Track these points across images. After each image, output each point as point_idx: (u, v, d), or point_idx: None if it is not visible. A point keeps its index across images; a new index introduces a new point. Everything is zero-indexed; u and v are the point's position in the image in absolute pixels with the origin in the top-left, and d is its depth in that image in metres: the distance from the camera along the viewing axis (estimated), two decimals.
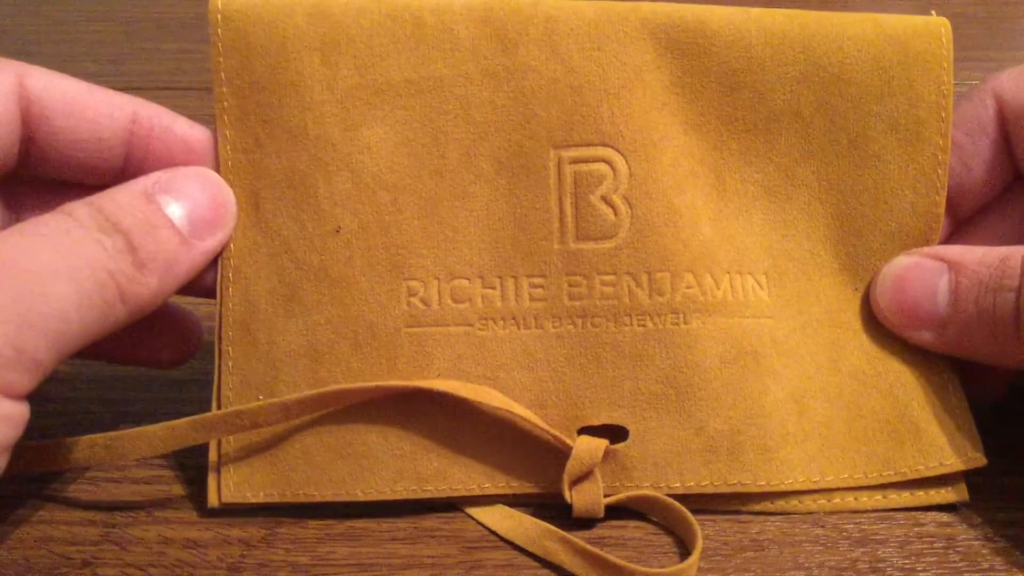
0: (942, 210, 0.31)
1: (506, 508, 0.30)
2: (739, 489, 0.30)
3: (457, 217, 0.30)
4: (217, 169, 0.30)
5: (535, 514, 0.30)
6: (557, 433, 0.29)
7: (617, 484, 0.30)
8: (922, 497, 0.30)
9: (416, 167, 0.30)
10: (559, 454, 0.29)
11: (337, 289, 0.30)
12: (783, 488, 0.30)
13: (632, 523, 0.30)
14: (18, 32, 0.56)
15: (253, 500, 0.29)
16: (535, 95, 0.30)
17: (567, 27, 0.30)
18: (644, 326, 0.30)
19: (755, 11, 0.31)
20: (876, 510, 0.30)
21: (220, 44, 0.30)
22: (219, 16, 0.30)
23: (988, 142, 0.32)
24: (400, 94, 0.30)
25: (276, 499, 0.30)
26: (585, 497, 0.29)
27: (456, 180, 0.30)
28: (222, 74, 0.30)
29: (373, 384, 0.29)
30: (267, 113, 0.30)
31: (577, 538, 0.28)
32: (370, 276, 0.30)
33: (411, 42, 0.30)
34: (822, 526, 0.30)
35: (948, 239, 0.33)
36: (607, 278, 0.30)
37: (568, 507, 0.29)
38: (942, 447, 0.30)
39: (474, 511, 0.30)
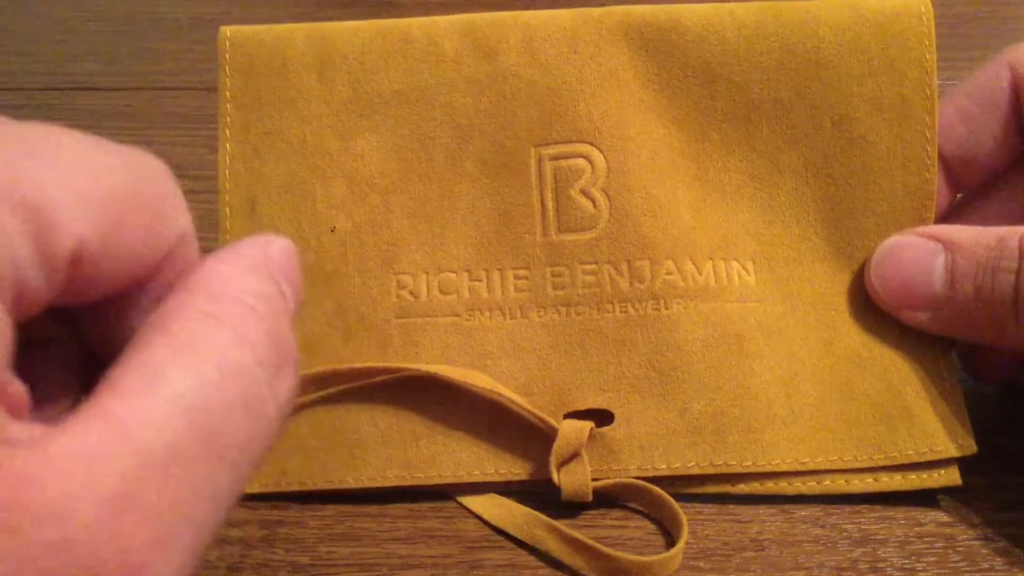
0: (934, 187, 0.31)
1: (497, 496, 0.30)
2: (724, 470, 0.29)
3: (444, 215, 0.32)
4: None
5: (526, 502, 0.30)
6: (544, 416, 0.30)
7: (605, 467, 0.30)
8: (914, 480, 0.30)
9: (405, 171, 0.32)
10: (547, 440, 0.29)
11: (331, 283, 0.31)
12: (769, 469, 0.29)
13: (633, 523, 0.30)
14: (18, 32, 0.57)
15: (249, 490, 0.30)
16: (515, 98, 0.32)
17: (544, 33, 0.32)
18: (626, 312, 0.31)
19: (729, 5, 0.32)
20: (867, 493, 0.30)
21: (227, 67, 0.33)
22: (227, 43, 0.33)
23: (1000, 114, 0.31)
24: (390, 104, 0.32)
25: (271, 489, 0.30)
26: (573, 479, 0.29)
27: (443, 181, 0.32)
28: (227, 92, 0.33)
29: (362, 365, 0.30)
30: (268, 126, 0.32)
31: (565, 526, 0.29)
32: (362, 271, 0.32)
33: (399, 56, 0.32)
34: (822, 526, 0.29)
35: (952, 210, 0.33)
36: (588, 267, 0.31)
37: (559, 496, 0.29)
38: (934, 432, 0.30)
39: (465, 499, 0.30)
